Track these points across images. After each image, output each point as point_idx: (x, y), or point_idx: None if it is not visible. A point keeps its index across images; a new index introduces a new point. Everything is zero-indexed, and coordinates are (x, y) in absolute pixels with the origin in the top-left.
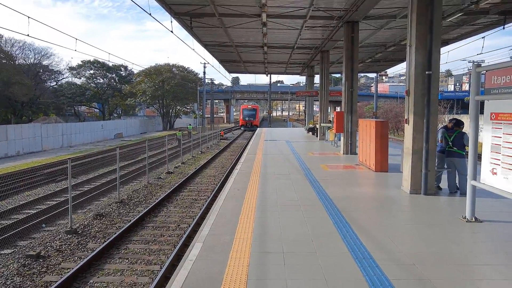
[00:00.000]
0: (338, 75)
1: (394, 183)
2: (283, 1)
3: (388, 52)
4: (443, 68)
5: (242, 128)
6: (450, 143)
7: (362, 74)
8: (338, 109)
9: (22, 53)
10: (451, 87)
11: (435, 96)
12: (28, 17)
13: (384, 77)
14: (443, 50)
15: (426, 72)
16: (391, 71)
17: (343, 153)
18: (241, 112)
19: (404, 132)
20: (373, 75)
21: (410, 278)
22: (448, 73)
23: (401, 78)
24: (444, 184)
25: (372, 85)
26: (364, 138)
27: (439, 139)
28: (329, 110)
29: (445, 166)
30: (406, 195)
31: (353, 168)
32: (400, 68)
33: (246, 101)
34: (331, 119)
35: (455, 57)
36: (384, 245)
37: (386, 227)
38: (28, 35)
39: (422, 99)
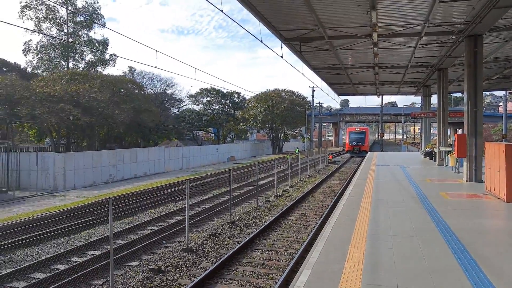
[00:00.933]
0: (458, 95)
1: None
2: (395, 19)
3: None
4: None
5: (348, 154)
6: None
7: (488, 93)
8: (459, 131)
9: (150, 83)
10: None
11: None
12: (156, 51)
13: None
14: None
15: None
16: None
17: (466, 180)
18: (347, 136)
19: None
20: (501, 93)
21: None
22: None
23: None
24: None
25: (500, 104)
26: (492, 164)
27: None
28: (448, 133)
29: None
30: None
31: (478, 197)
32: None
33: (355, 123)
34: (451, 143)
35: None
36: None
37: None
38: (156, 67)
39: None
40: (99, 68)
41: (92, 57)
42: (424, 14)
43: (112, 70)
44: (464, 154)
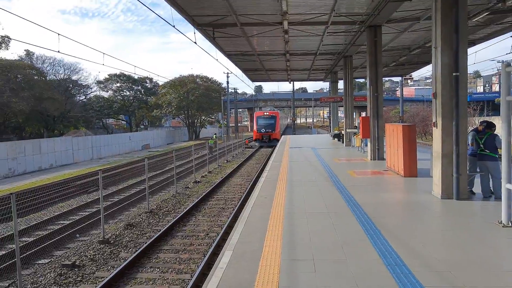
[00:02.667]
0: (362, 80)
1: (424, 188)
2: (304, 8)
3: (413, 55)
4: (471, 69)
5: (257, 144)
6: (482, 146)
7: (387, 78)
8: (363, 114)
9: (52, 69)
10: (480, 89)
11: (464, 98)
12: (59, 34)
13: (409, 81)
14: (470, 50)
15: (453, 74)
16: (416, 74)
17: (371, 159)
18: (255, 121)
19: (432, 136)
20: (398, 79)
21: (444, 285)
22: (477, 74)
23: (427, 81)
24: (477, 188)
25: (397, 89)
26: (391, 143)
27: (469, 143)
28: (354, 116)
29: (477, 170)
30: (437, 200)
31: (381, 174)
32: (426, 71)
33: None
34: (356, 125)
35: (483, 57)
36: (417, 251)
37: (418, 232)
38: (58, 51)
39: (450, 101)
40: None
41: None
42: (330, 4)
43: (6, 54)
44: (368, 135)
